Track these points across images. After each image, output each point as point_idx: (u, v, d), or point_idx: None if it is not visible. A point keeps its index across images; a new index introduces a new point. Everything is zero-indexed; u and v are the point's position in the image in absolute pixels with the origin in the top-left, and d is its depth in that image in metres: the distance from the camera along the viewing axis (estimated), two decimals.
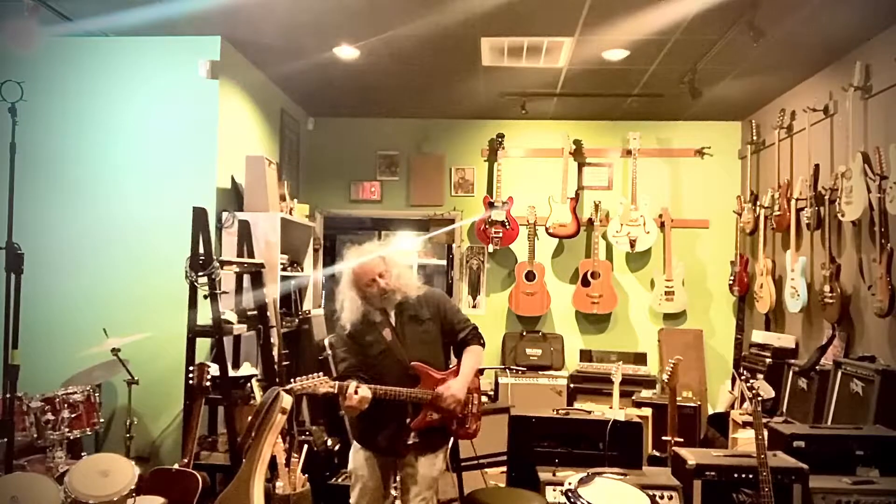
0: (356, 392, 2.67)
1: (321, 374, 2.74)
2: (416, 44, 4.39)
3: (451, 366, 3.00)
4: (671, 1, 3.69)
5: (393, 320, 2.90)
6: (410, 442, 2.84)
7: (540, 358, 5.87)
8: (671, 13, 3.82)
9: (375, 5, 3.82)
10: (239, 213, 4.37)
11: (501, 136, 6.10)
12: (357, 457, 2.96)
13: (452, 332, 3.00)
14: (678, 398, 4.46)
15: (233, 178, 4.53)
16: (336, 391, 2.70)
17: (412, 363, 2.84)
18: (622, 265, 6.19)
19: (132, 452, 3.82)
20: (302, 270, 5.18)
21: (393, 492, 3.00)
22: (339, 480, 4.21)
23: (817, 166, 4.55)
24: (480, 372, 3.12)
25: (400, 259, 2.96)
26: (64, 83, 4.30)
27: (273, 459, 3.55)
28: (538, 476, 3.20)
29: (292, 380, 2.77)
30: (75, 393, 3.63)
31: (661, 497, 3.00)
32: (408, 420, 2.83)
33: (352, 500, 2.95)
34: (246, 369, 4.06)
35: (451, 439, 3.08)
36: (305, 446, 3.93)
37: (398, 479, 2.95)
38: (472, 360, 2.97)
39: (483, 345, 3.06)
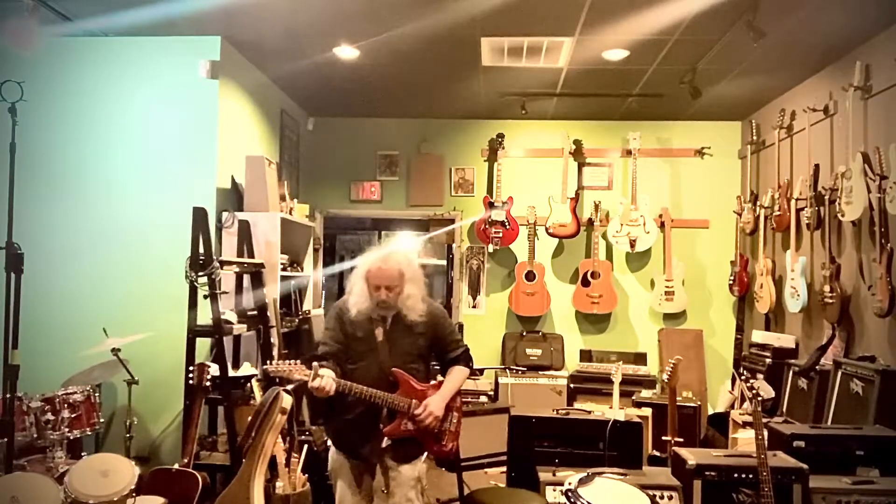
0: (320, 378, 2.63)
1: (298, 361, 2.71)
2: (416, 44, 4.38)
3: (433, 381, 2.96)
4: (671, 1, 3.69)
5: (388, 323, 2.88)
6: (384, 446, 2.80)
7: (540, 358, 5.87)
8: (671, 13, 3.82)
9: (375, 5, 3.82)
10: (239, 213, 4.37)
11: (501, 136, 6.10)
12: (335, 458, 2.93)
13: (443, 350, 2.98)
14: (678, 398, 4.46)
15: (233, 178, 4.53)
16: (310, 380, 2.65)
17: (393, 369, 2.81)
18: (622, 265, 6.19)
19: (132, 452, 3.81)
20: (302, 270, 5.18)
21: (378, 492, 2.92)
22: None
23: (817, 166, 4.55)
24: (480, 372, 3.10)
25: (418, 282, 2.91)
26: (64, 83, 4.30)
27: (273, 459, 3.55)
28: (538, 476, 3.19)
29: (269, 361, 2.72)
30: (75, 393, 3.62)
31: (661, 497, 3.00)
32: (381, 426, 2.78)
33: (336, 501, 2.92)
34: (246, 369, 4.06)
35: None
36: (305, 446, 3.92)
37: (381, 480, 2.86)
38: (455, 379, 2.96)
39: (471, 368, 3.04)
